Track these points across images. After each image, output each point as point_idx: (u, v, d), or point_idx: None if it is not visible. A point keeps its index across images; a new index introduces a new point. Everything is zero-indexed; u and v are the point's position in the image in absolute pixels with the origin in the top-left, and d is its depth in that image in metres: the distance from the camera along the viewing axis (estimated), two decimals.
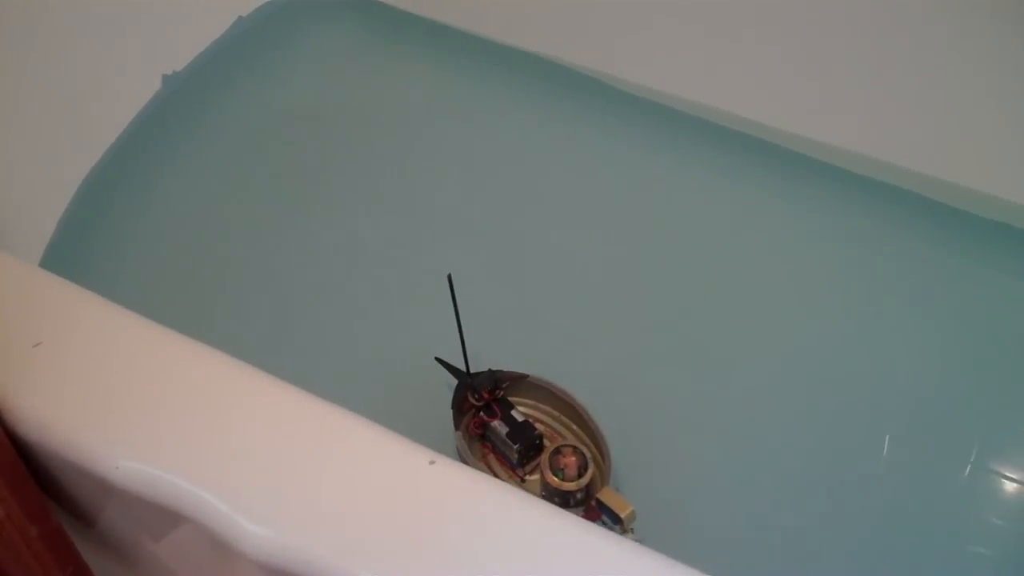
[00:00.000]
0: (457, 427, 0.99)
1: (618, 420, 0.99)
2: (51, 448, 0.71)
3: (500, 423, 0.97)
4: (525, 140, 1.25)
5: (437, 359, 1.01)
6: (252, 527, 0.64)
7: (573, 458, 0.93)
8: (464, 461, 0.95)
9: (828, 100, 1.16)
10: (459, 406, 1.00)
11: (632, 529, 0.91)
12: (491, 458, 1.00)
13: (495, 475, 0.98)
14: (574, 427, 1.01)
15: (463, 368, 0.99)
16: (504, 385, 1.00)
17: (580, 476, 0.93)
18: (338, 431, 0.69)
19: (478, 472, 0.66)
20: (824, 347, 1.07)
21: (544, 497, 0.94)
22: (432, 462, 0.65)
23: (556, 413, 1.02)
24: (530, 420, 0.98)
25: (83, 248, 1.12)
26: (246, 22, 1.34)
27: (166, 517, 0.69)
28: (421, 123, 1.27)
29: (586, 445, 0.97)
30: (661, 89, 1.25)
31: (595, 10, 1.24)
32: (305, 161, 1.22)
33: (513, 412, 0.98)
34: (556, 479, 0.93)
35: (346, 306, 1.06)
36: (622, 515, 0.90)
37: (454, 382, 1.02)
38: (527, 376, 1.01)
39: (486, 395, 0.99)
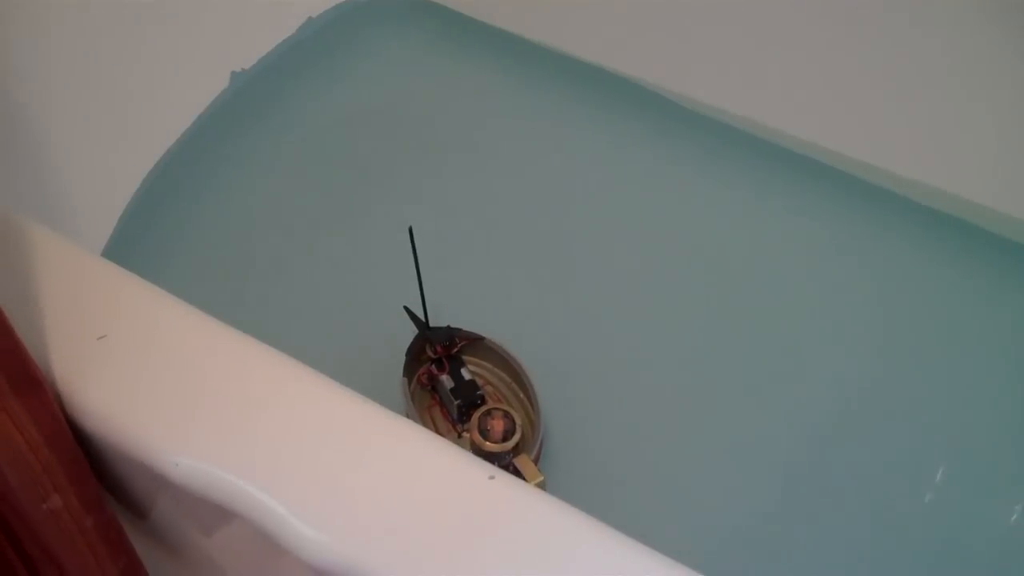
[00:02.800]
0: (405, 373, 1.03)
1: (572, 401, 1.04)
2: (111, 441, 0.71)
3: (448, 377, 1.02)
4: (578, 147, 1.26)
5: (405, 308, 1.05)
6: (307, 530, 0.65)
7: (501, 422, 0.98)
8: (406, 404, 1.01)
9: (909, 128, 1.15)
10: (415, 356, 1.04)
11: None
12: (435, 410, 1.05)
13: (435, 426, 1.04)
14: (521, 395, 1.05)
15: (424, 320, 1.03)
16: (460, 343, 1.04)
17: (505, 440, 0.96)
18: (399, 440, 0.69)
19: (538, 490, 0.65)
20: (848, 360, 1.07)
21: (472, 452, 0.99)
22: (491, 477, 0.65)
23: (506, 379, 1.07)
24: (477, 380, 1.02)
25: (145, 241, 1.13)
26: (316, 23, 1.35)
27: (220, 514, 0.70)
28: (478, 127, 1.28)
29: (523, 413, 1.02)
30: (732, 111, 1.25)
31: (663, 27, 1.24)
32: (366, 161, 1.23)
33: (463, 370, 1.03)
34: (479, 438, 0.97)
35: (396, 299, 1.06)
36: (532, 483, 0.93)
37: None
38: (483, 338, 1.05)
39: (440, 349, 1.03)
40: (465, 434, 1.02)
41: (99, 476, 0.76)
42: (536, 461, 0.98)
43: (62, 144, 1.07)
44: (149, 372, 0.72)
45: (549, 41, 1.32)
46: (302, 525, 0.65)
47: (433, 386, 1.05)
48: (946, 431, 1.03)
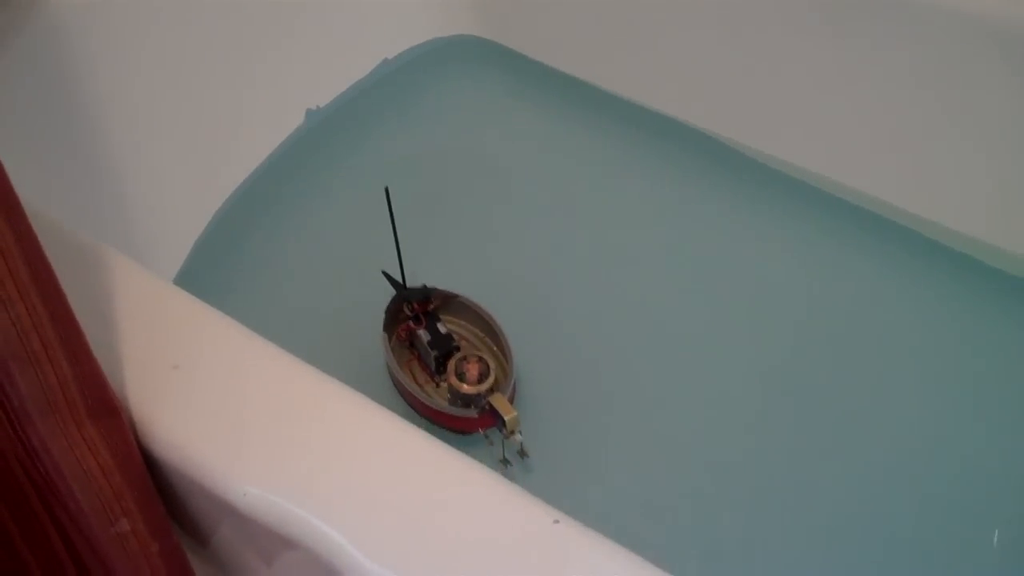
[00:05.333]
0: (385, 329, 1.10)
1: (544, 352, 1.12)
2: (180, 468, 0.72)
3: (425, 332, 1.09)
4: (647, 198, 1.27)
5: (383, 272, 1.10)
6: (372, 566, 0.65)
7: (476, 365, 1.06)
8: (386, 356, 1.09)
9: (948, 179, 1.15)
10: (394, 314, 1.11)
11: (519, 433, 1.03)
12: (415, 364, 1.12)
13: (415, 378, 1.10)
14: (494, 348, 1.12)
15: (402, 281, 1.09)
16: (435, 300, 1.11)
17: (480, 382, 1.05)
18: (464, 480, 0.69)
19: (602, 537, 0.65)
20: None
21: (450, 400, 1.08)
22: (556, 521, 0.65)
23: (479, 332, 1.13)
24: (452, 333, 1.09)
25: (215, 272, 1.15)
26: (391, 64, 1.37)
27: (284, 544, 0.70)
28: (549, 177, 1.29)
29: (496, 360, 1.09)
30: (778, 156, 1.25)
31: (722, 76, 1.24)
32: (432, 202, 1.24)
33: (438, 324, 1.09)
34: (456, 381, 1.05)
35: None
36: (506, 417, 1.02)
37: None
38: (457, 296, 1.12)
39: (417, 306, 1.10)
40: (443, 383, 1.09)
41: (165, 502, 0.78)
42: (510, 402, 1.05)
43: (141, 175, 1.10)
44: (220, 402, 0.74)
45: (619, 90, 1.33)
46: (366, 560, 0.65)
47: (412, 342, 1.12)
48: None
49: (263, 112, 1.25)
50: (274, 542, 0.72)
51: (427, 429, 0.99)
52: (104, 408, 0.69)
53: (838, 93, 1.17)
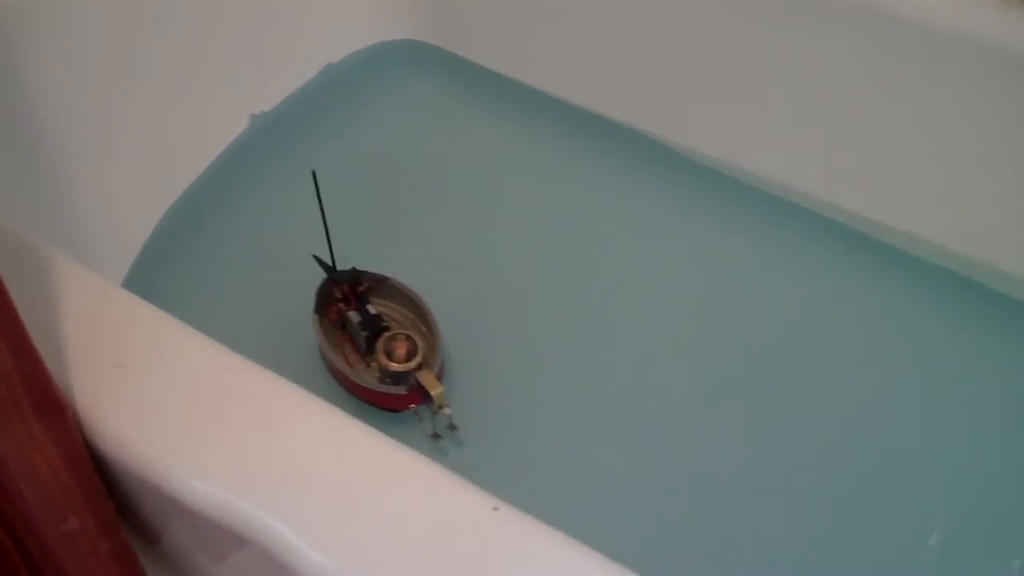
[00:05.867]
0: (316, 310, 1.12)
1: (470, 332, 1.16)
2: (128, 465, 0.74)
3: (355, 313, 1.11)
4: (583, 197, 1.30)
5: (313, 256, 1.13)
6: (314, 555, 0.67)
7: (404, 344, 1.10)
8: (317, 337, 1.12)
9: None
10: (324, 297, 1.13)
11: (447, 408, 1.06)
12: (347, 346, 1.14)
13: (347, 359, 1.12)
14: (423, 328, 1.14)
15: (332, 264, 1.12)
16: (365, 283, 1.14)
17: (408, 360, 1.08)
18: (401, 469, 0.71)
19: (539, 522, 0.67)
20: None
21: (379, 378, 1.10)
22: (495, 508, 0.67)
23: (408, 314, 1.16)
24: (382, 315, 1.12)
25: (162, 275, 1.16)
26: (335, 69, 1.39)
27: (231, 539, 0.72)
28: (490, 177, 1.32)
29: (424, 339, 1.12)
30: (737, 164, 1.27)
31: (675, 80, 1.27)
32: (378, 207, 1.26)
33: (368, 306, 1.12)
34: (385, 360, 1.08)
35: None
36: (432, 392, 1.05)
37: None
38: (387, 278, 1.15)
39: (347, 288, 1.12)
40: (373, 363, 1.11)
41: (114, 501, 0.79)
42: (438, 379, 1.08)
43: (86, 178, 1.10)
44: (166, 400, 0.75)
45: (558, 92, 1.36)
46: (311, 551, 0.67)
47: (343, 324, 1.14)
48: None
49: (208, 117, 1.26)
50: (222, 536, 0.73)
51: (359, 408, 1.06)
52: (50, 405, 0.70)
53: (801, 101, 1.20)
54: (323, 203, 1.06)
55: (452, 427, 1.08)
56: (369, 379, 1.10)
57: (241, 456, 0.72)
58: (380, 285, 1.15)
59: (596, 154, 1.32)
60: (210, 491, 0.70)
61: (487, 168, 1.32)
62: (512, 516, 0.67)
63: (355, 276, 1.13)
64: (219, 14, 1.23)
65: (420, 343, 1.10)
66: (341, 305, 1.13)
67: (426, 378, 1.07)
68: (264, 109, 1.32)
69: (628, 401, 1.11)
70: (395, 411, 1.10)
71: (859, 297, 1.19)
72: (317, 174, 1.04)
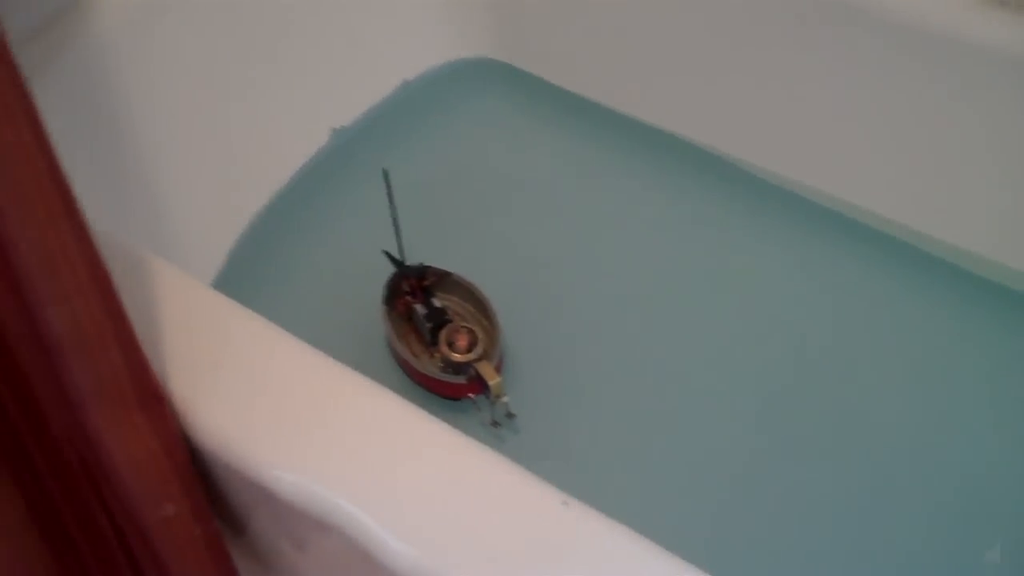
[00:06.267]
0: (385, 302, 1.19)
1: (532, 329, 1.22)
2: (221, 455, 0.78)
3: (421, 305, 1.17)
4: (647, 213, 1.34)
5: (384, 251, 1.19)
6: (394, 542, 0.70)
7: (466, 336, 1.15)
8: (385, 327, 1.18)
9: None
10: (393, 290, 1.20)
11: (504, 397, 1.11)
12: (412, 337, 1.20)
13: (411, 349, 1.18)
14: (484, 322, 1.19)
15: (400, 259, 1.18)
16: (431, 277, 1.20)
17: (469, 351, 1.14)
18: (475, 463, 0.75)
19: (608, 519, 0.70)
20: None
21: (441, 368, 1.16)
22: (565, 503, 0.71)
23: (471, 308, 1.21)
24: (446, 308, 1.18)
25: (248, 277, 1.23)
26: (411, 85, 1.44)
27: (315, 527, 0.76)
28: (554, 187, 1.37)
29: (485, 333, 1.17)
30: (794, 177, 1.30)
31: (736, 96, 1.30)
32: (446, 212, 1.32)
33: (433, 299, 1.18)
34: (447, 350, 1.15)
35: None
36: (490, 383, 1.10)
37: None
38: (451, 274, 1.20)
39: (413, 282, 1.18)
40: (436, 353, 1.17)
41: (206, 491, 0.83)
42: (497, 370, 1.13)
43: (178, 187, 1.16)
44: (258, 395, 0.79)
45: (622, 107, 1.39)
46: (392, 538, 0.71)
47: (410, 315, 1.19)
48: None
49: (291, 130, 1.32)
50: (305, 524, 0.77)
51: (421, 396, 1.12)
52: (151, 397, 0.75)
53: (856, 115, 1.23)
54: (393, 202, 1.11)
55: (509, 415, 1.13)
56: (432, 368, 1.15)
57: (326, 448, 0.76)
58: (445, 280, 1.21)
59: (655, 165, 1.37)
60: (296, 480, 0.74)
61: (552, 178, 1.37)
62: (580, 510, 0.70)
63: (422, 271, 1.19)
64: (303, 34, 1.29)
65: (480, 336, 1.15)
66: (408, 298, 1.19)
67: (485, 369, 1.11)
68: (344, 124, 1.37)
69: (681, 399, 1.15)
70: (455, 399, 1.15)
71: (900, 304, 1.22)
72: (390, 179, 1.09)
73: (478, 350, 1.14)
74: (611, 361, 1.19)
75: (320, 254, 1.28)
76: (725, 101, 1.31)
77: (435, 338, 1.16)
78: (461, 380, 1.13)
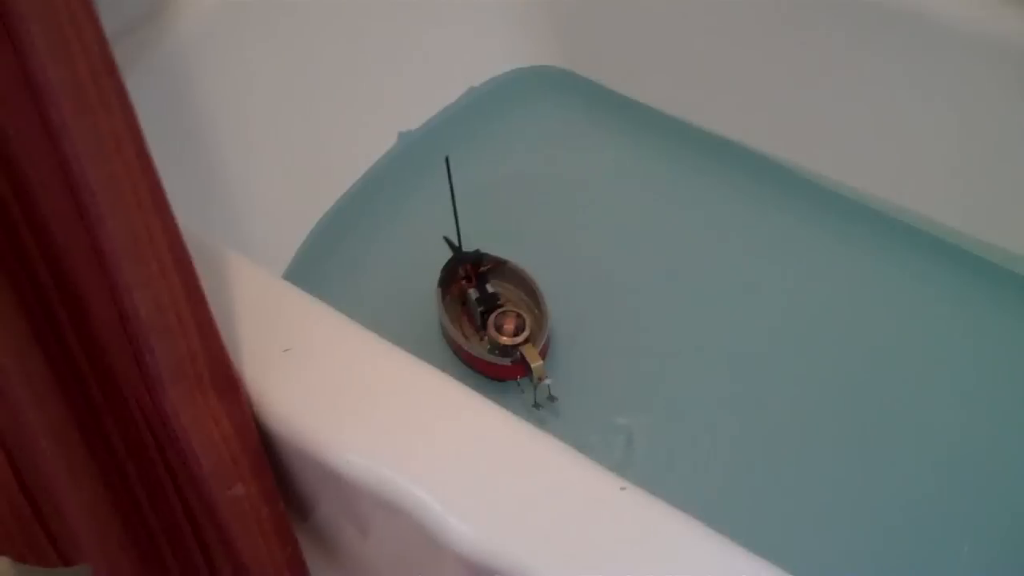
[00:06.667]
0: (440, 284, 1.23)
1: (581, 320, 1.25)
2: (291, 439, 0.81)
3: (474, 290, 1.21)
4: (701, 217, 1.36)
5: (444, 237, 1.22)
6: (457, 522, 0.73)
7: (513, 320, 1.19)
8: (439, 309, 1.22)
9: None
10: (449, 273, 1.24)
11: (547, 380, 1.14)
12: (464, 320, 1.24)
13: (462, 331, 1.22)
14: (535, 311, 1.22)
15: (458, 244, 1.21)
16: (487, 263, 1.23)
17: (516, 335, 1.17)
18: (541, 452, 0.77)
19: (665, 504, 0.72)
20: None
21: (489, 350, 1.19)
22: (623, 488, 0.73)
23: (523, 296, 1.25)
24: (498, 293, 1.21)
25: (316, 276, 1.26)
26: (476, 92, 1.47)
27: (380, 509, 0.79)
28: (612, 190, 1.39)
29: (534, 319, 1.21)
30: (845, 181, 1.31)
31: (796, 104, 1.31)
32: (507, 212, 1.35)
33: (487, 285, 1.22)
34: (495, 333, 1.18)
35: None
36: (532, 365, 1.14)
37: None
38: (507, 262, 1.24)
39: (470, 268, 1.22)
40: (486, 337, 1.20)
41: (274, 475, 0.87)
42: (543, 355, 1.17)
43: (252, 186, 1.20)
44: (327, 381, 0.82)
45: (691, 118, 1.41)
46: (455, 519, 0.73)
47: (464, 300, 1.24)
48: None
49: (360, 134, 1.35)
50: (371, 507, 0.80)
51: (469, 376, 1.18)
52: (226, 381, 0.78)
53: (892, 114, 1.25)
54: (453, 189, 1.15)
55: (551, 398, 1.16)
56: (481, 350, 1.19)
57: (391, 432, 0.79)
58: (500, 267, 1.24)
59: (713, 171, 1.39)
60: (363, 463, 0.77)
61: (610, 182, 1.39)
62: (638, 495, 0.72)
63: (478, 257, 1.22)
64: (373, 42, 1.33)
65: (529, 321, 1.19)
66: (463, 282, 1.23)
67: (529, 352, 1.15)
68: (411, 127, 1.41)
69: (721, 400, 1.17)
70: (501, 380, 1.19)
71: (931, 294, 1.25)
72: (460, 192, 1.13)
73: (525, 334, 1.18)
74: (655, 352, 1.22)
75: (385, 250, 1.32)
76: (783, 108, 1.33)
77: (485, 322, 1.20)
78: (506, 362, 1.17)
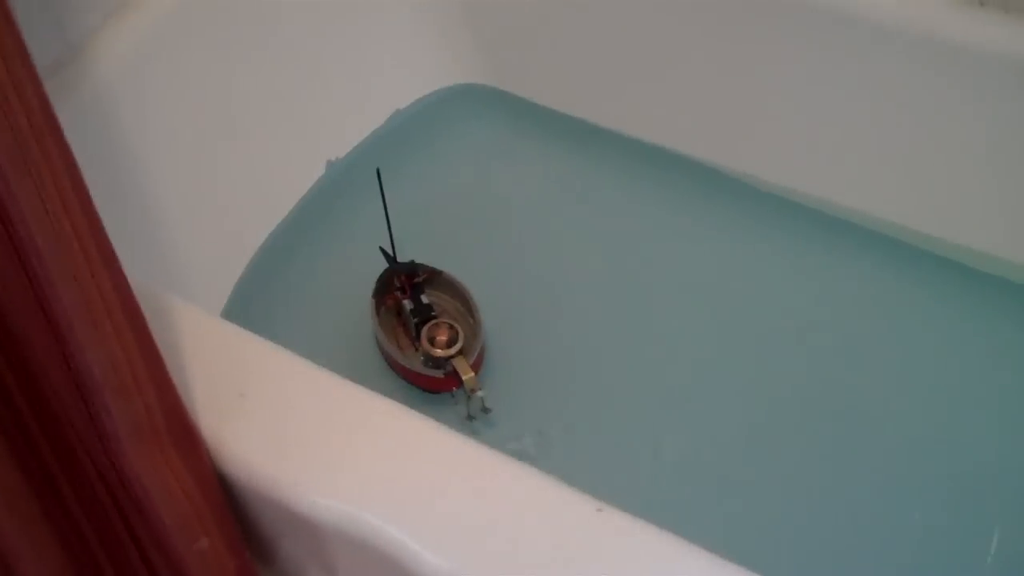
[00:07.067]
0: (374, 295, 1.23)
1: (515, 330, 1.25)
2: (253, 486, 0.80)
3: (409, 301, 1.21)
4: (643, 226, 1.37)
5: (380, 248, 1.22)
6: (432, 557, 0.72)
7: (446, 332, 1.19)
8: (372, 321, 1.22)
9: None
10: (384, 285, 1.24)
11: (479, 391, 1.15)
12: (400, 331, 1.24)
13: (398, 343, 1.22)
14: (470, 321, 1.23)
15: (392, 255, 1.22)
16: (421, 274, 1.23)
17: (449, 347, 1.17)
18: (509, 478, 0.77)
19: (644, 522, 0.72)
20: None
21: (423, 362, 1.19)
22: (599, 510, 0.73)
23: (459, 306, 1.25)
24: (433, 304, 1.21)
25: (256, 309, 1.25)
26: (402, 114, 1.46)
27: (348, 551, 0.78)
28: (544, 203, 1.40)
29: (468, 330, 1.20)
30: (786, 184, 1.33)
31: (723, 106, 1.33)
32: (440, 230, 1.35)
33: (422, 296, 1.22)
34: (427, 345, 1.18)
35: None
36: (464, 377, 1.15)
37: None
38: (442, 272, 1.24)
39: (404, 278, 1.22)
40: (420, 348, 1.20)
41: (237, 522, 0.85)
42: (477, 366, 1.18)
43: (183, 225, 1.18)
44: (285, 423, 0.81)
45: (619, 127, 1.42)
46: (429, 554, 0.73)
47: (399, 311, 1.24)
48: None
49: (287, 165, 1.34)
50: (339, 548, 0.79)
51: (403, 388, 1.18)
52: (185, 433, 0.77)
53: (834, 114, 1.26)
54: (386, 200, 1.17)
55: (485, 410, 1.16)
56: (414, 362, 1.19)
57: (355, 470, 0.78)
58: (435, 278, 1.25)
59: (644, 179, 1.39)
60: (330, 504, 0.76)
61: (541, 195, 1.40)
62: (616, 517, 0.72)
63: (413, 268, 1.22)
64: (294, 71, 1.31)
65: (462, 332, 1.19)
66: (398, 294, 1.23)
67: (460, 364, 1.16)
68: (339, 155, 1.40)
69: (659, 407, 1.18)
70: (435, 392, 1.19)
71: (918, 304, 1.26)
72: (382, 177, 1.15)
73: (457, 346, 1.18)
74: (591, 360, 1.23)
75: (322, 275, 1.31)
76: (710, 111, 1.34)
77: (419, 333, 1.20)
78: (439, 374, 1.17)
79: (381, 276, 1.24)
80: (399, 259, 1.22)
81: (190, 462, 0.77)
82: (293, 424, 0.81)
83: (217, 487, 0.80)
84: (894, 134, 1.23)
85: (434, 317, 1.20)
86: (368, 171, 1.31)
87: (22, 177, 0.58)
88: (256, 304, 1.26)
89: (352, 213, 1.34)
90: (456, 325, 1.19)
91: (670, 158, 1.39)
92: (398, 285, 1.24)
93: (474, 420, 1.17)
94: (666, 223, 1.35)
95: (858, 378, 1.19)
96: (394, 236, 1.20)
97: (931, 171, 1.23)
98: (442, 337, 1.18)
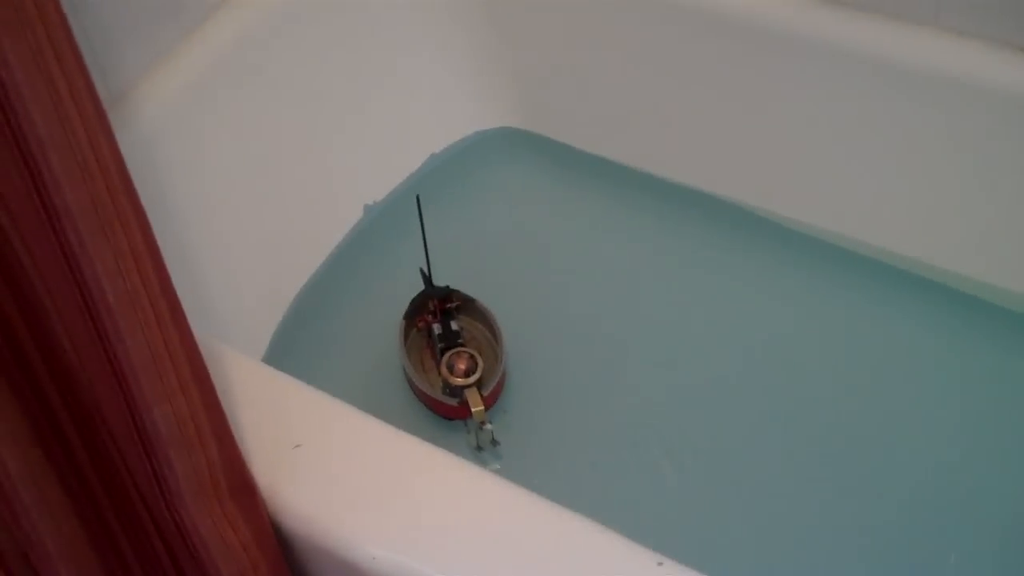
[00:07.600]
0: (405, 316, 1.24)
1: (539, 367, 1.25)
2: (310, 538, 0.80)
3: (438, 325, 1.22)
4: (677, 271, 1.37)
5: (420, 269, 1.24)
6: None
7: (466, 361, 1.18)
8: (398, 342, 1.23)
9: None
10: (417, 306, 1.25)
11: (488, 424, 1.14)
12: (426, 353, 1.25)
13: (423, 365, 1.23)
14: (497, 350, 1.23)
15: (429, 277, 1.24)
16: (455, 300, 1.24)
17: (467, 376, 1.17)
18: (569, 532, 0.76)
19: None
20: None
21: (442, 388, 1.19)
22: (660, 563, 0.72)
23: (488, 335, 1.25)
24: (462, 331, 1.22)
25: (297, 353, 1.25)
26: (438, 159, 1.47)
27: None
28: (579, 244, 1.40)
29: (490, 361, 1.21)
30: (820, 225, 1.33)
31: (754, 149, 1.33)
32: (480, 282, 1.33)
33: (452, 322, 1.22)
34: (446, 372, 1.18)
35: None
36: (473, 409, 1.14)
37: None
38: (475, 300, 1.25)
39: (437, 303, 1.22)
40: (441, 374, 1.20)
41: (293, 574, 0.85)
42: (495, 397, 1.19)
43: (220, 271, 1.18)
44: (342, 475, 0.81)
45: (654, 170, 1.43)
46: None
47: (429, 332, 1.24)
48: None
49: (326, 209, 1.34)
50: None
51: (420, 413, 1.19)
52: (243, 486, 0.77)
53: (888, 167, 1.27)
54: (424, 226, 1.18)
55: (494, 442, 1.16)
56: (433, 386, 1.19)
57: (414, 523, 0.78)
58: (468, 305, 1.25)
59: (677, 219, 1.40)
60: (390, 558, 0.76)
61: (577, 237, 1.40)
62: (678, 571, 0.72)
63: (447, 292, 1.23)
64: (332, 118, 1.32)
65: (481, 364, 1.19)
66: (429, 317, 1.23)
67: (472, 396, 1.15)
68: (376, 199, 1.40)
69: (673, 449, 1.18)
70: (449, 419, 1.19)
71: (920, 334, 1.26)
72: (421, 204, 1.16)
73: (475, 376, 1.17)
74: (609, 405, 1.22)
75: (359, 323, 1.31)
76: (740, 154, 1.34)
77: (442, 358, 1.20)
78: (453, 402, 1.17)
79: (415, 299, 1.24)
80: (432, 274, 1.23)
81: (248, 514, 0.77)
82: (350, 476, 0.81)
83: (273, 539, 0.80)
84: (900, 168, 1.25)
85: (460, 344, 1.21)
86: (404, 215, 1.32)
87: (97, 237, 0.58)
88: (297, 346, 1.26)
89: (391, 256, 1.35)
90: (477, 356, 1.19)
91: (703, 200, 1.39)
92: (431, 308, 1.24)
93: (482, 451, 1.16)
94: (697, 267, 1.35)
95: (903, 411, 1.19)
96: (431, 271, 1.21)
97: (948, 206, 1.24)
98: (461, 366, 1.18)
